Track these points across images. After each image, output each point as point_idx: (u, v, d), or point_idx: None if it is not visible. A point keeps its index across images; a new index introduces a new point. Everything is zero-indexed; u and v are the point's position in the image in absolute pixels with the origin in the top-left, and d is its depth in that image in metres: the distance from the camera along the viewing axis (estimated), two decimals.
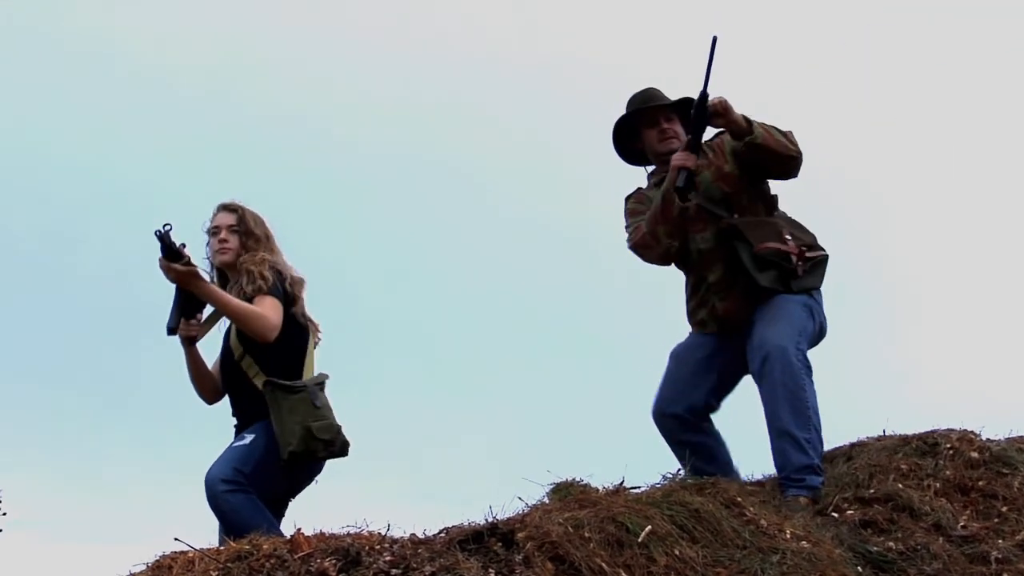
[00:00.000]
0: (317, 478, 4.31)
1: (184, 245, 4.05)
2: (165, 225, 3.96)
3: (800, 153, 4.02)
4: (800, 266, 4.02)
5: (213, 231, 4.42)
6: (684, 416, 4.13)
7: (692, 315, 4.28)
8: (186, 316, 4.23)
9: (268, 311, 4.19)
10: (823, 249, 4.16)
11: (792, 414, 3.84)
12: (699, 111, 3.89)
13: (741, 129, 3.94)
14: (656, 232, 4.10)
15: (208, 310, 4.32)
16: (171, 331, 4.19)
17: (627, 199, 4.37)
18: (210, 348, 4.47)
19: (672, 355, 4.30)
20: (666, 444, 4.20)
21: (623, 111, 4.32)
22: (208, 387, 4.44)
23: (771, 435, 3.93)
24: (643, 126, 4.25)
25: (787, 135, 4.00)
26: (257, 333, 4.17)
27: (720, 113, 3.90)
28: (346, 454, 4.25)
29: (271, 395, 4.15)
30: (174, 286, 4.14)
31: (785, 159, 4.00)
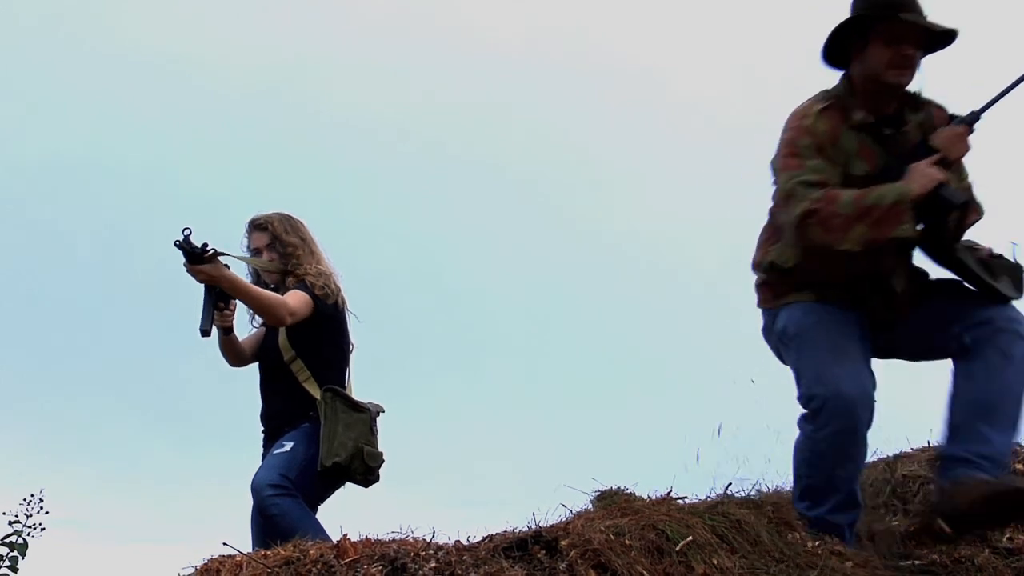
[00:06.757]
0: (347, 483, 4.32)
1: (206, 244, 3.92)
2: (184, 230, 3.85)
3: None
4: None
5: (255, 253, 4.45)
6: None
7: (863, 298, 3.34)
8: (219, 310, 4.20)
9: (289, 298, 4.20)
10: None
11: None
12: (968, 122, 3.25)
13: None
14: (854, 236, 3.11)
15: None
16: (205, 333, 4.03)
17: (806, 114, 3.30)
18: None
19: (818, 327, 3.31)
20: (842, 445, 3.25)
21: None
22: (240, 356, 4.47)
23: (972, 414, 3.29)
24: (881, 38, 3.23)
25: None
26: (275, 319, 4.18)
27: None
28: (370, 485, 4.26)
29: (330, 403, 4.16)
30: (203, 286, 4.02)
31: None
